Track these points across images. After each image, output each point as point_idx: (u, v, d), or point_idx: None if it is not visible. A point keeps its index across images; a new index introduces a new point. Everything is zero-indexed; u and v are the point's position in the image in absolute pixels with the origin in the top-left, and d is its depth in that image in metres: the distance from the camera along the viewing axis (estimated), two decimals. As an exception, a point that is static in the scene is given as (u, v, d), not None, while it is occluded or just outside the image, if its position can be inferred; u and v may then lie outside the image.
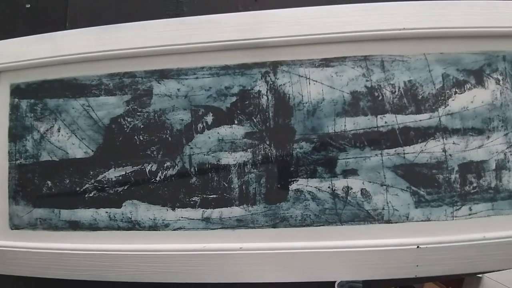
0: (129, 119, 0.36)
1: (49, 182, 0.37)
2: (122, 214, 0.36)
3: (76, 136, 0.36)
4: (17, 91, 0.38)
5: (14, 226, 0.37)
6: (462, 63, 0.34)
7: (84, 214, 0.36)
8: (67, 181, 0.36)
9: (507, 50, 0.34)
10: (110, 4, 0.45)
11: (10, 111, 0.38)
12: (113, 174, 0.36)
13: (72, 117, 0.37)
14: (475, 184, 0.33)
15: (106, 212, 0.36)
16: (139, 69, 0.36)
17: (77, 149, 0.36)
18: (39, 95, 0.38)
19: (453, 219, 0.33)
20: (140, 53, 0.36)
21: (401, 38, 0.33)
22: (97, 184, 0.36)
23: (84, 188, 0.36)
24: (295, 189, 0.34)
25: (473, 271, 0.33)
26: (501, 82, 0.34)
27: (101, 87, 0.37)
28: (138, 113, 0.36)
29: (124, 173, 0.36)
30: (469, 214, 0.33)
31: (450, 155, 0.33)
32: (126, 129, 0.36)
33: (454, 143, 0.33)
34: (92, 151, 0.36)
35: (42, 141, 0.37)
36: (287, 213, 0.34)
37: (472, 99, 0.34)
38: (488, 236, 0.33)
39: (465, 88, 0.34)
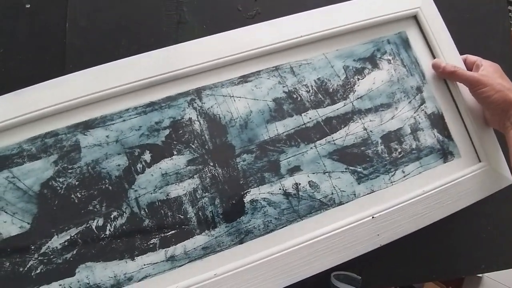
0: (61, 179, 0.48)
1: None
2: (78, 281, 0.46)
3: (6, 212, 0.46)
4: None
5: None
6: (356, 54, 0.55)
7: None
8: (7, 264, 0.45)
9: (389, 35, 0.57)
10: (110, 4, 0.59)
11: None
12: (57, 241, 0.46)
13: None
14: (399, 150, 0.53)
15: (60, 285, 0.45)
16: (60, 126, 0.50)
17: (11, 226, 0.46)
18: (-52, 181, 0.48)
19: (392, 184, 0.52)
20: (58, 110, 0.49)
21: (301, 45, 0.54)
22: (42, 258, 0.46)
23: (28, 266, 0.45)
24: (250, 200, 0.49)
25: (424, 224, 0.50)
26: (392, 61, 0.56)
27: (23, 154, 0.48)
28: (70, 171, 0.48)
29: (69, 237, 0.47)
30: (404, 176, 0.52)
31: (371, 131, 0.53)
32: (60, 190, 0.48)
33: (370, 120, 0.53)
34: (28, 223, 0.46)
35: None
36: (249, 225, 0.49)
37: (373, 81, 0.55)
38: (427, 189, 0.52)
39: (365, 74, 0.55)
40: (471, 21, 0.59)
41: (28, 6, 0.62)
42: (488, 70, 0.51)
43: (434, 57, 0.56)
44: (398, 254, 0.59)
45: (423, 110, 0.54)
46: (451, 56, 0.55)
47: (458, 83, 0.54)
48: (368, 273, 0.57)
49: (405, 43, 0.56)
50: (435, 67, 0.54)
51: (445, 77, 0.54)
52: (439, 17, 0.56)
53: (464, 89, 0.54)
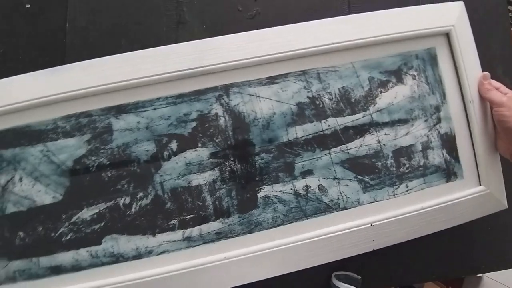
0: (93, 158, 0.55)
1: (21, 233, 0.54)
2: (104, 250, 0.54)
3: (40, 183, 0.54)
4: (-37, 147, 0.54)
5: (-11, 285, 0.54)
6: (383, 66, 0.59)
7: (65, 257, 0.53)
8: (40, 228, 0.53)
9: (418, 49, 0.60)
10: (110, 4, 0.62)
11: (-41, 168, 0.54)
12: (86, 213, 0.54)
13: (33, 165, 0.54)
14: (407, 165, 0.59)
15: (87, 251, 0.54)
16: (94, 108, 0.55)
17: (45, 196, 0.54)
18: (-9, 147, 0.54)
19: (394, 197, 0.59)
20: (93, 92, 0.54)
21: (331, 52, 0.57)
22: (72, 226, 0.54)
23: (59, 232, 0.54)
24: (263, 196, 0.56)
25: (419, 235, 0.58)
26: (416, 77, 0.60)
27: (58, 130, 0.54)
28: (102, 151, 0.55)
29: (98, 210, 0.55)
30: (407, 191, 0.59)
31: (384, 144, 0.59)
32: (91, 168, 0.55)
33: (385, 134, 0.59)
34: (61, 195, 0.54)
35: (4, 193, 0.54)
36: (260, 218, 0.56)
37: (395, 95, 0.59)
38: (425, 206, 0.59)
39: (389, 87, 0.59)
40: (471, 21, 0.60)
41: (28, 6, 0.64)
42: None
43: (458, 77, 0.60)
44: (398, 254, 0.64)
45: (437, 129, 0.59)
46: (475, 80, 0.59)
47: (476, 107, 0.59)
48: (368, 273, 0.64)
49: (433, 60, 0.60)
50: (484, 77, 0.59)
51: (482, 90, 0.59)
52: (472, 39, 0.59)
53: (480, 114, 0.59)
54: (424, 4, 0.61)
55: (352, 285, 0.59)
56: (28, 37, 0.64)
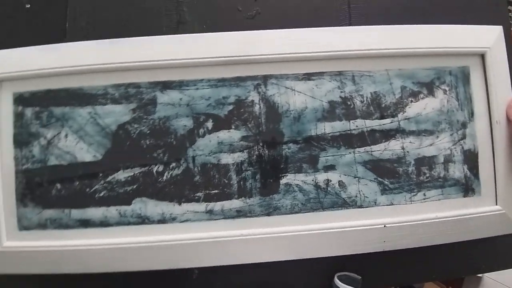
0: (135, 125, 0.60)
1: (58, 185, 0.59)
2: (132, 210, 0.59)
3: (84, 141, 0.59)
4: (21, 100, 0.60)
5: (23, 227, 0.59)
6: (417, 77, 0.62)
7: (95, 212, 0.58)
8: (77, 183, 0.58)
9: (453, 66, 0.63)
10: (110, 5, 0.65)
11: (14, 118, 0.60)
12: (122, 175, 0.59)
13: (79, 124, 0.59)
14: (428, 175, 0.62)
15: (117, 210, 0.58)
16: (143, 80, 0.60)
17: (86, 154, 0.59)
18: (44, 103, 0.59)
19: (411, 203, 0.62)
20: (144, 66, 0.59)
21: (368, 57, 0.61)
22: (106, 185, 0.59)
23: (94, 189, 0.59)
24: (285, 183, 0.60)
25: (429, 243, 0.61)
26: (447, 92, 0.63)
27: (107, 96, 0.60)
28: (144, 120, 0.60)
29: (132, 174, 0.59)
30: (424, 199, 0.62)
31: (407, 151, 0.62)
32: (133, 134, 0.60)
33: (410, 142, 0.62)
34: (101, 155, 0.59)
35: (49, 146, 0.59)
36: (279, 203, 0.60)
37: (424, 107, 0.62)
38: (440, 216, 0.61)
39: (419, 98, 0.62)
40: (471, 21, 0.61)
41: (28, 6, 0.66)
42: None
43: (488, 98, 0.62)
44: (398, 254, 0.64)
45: (461, 145, 0.62)
46: (504, 102, 0.61)
47: (502, 128, 0.61)
48: (368, 273, 0.64)
49: (466, 79, 0.62)
50: None
51: (509, 112, 0.61)
52: (506, 63, 0.62)
53: (506, 136, 0.61)
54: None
55: (352, 286, 0.61)
56: (28, 37, 0.65)
